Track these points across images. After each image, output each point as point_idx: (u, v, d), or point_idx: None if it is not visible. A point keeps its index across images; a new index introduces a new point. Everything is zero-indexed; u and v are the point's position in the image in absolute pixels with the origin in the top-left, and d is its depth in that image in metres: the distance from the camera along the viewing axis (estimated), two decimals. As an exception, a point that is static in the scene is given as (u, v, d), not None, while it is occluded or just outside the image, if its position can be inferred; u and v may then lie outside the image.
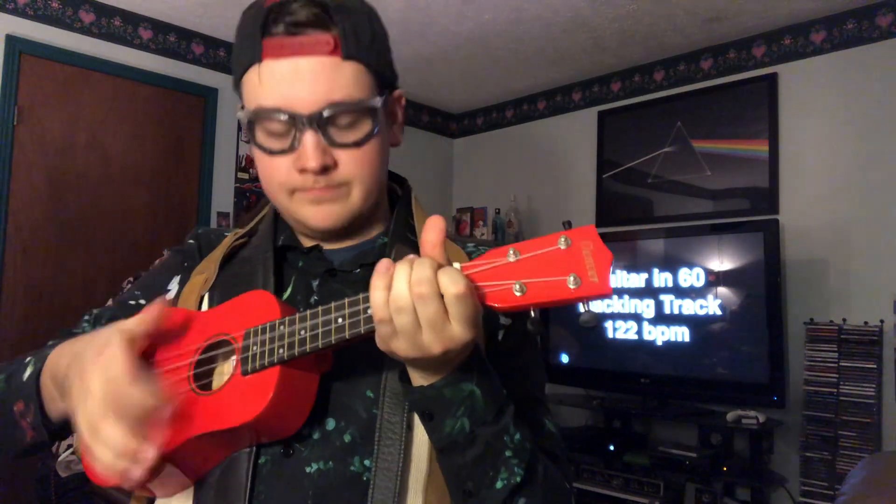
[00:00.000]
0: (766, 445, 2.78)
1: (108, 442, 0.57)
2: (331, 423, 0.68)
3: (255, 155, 0.73)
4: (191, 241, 0.87)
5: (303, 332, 0.61)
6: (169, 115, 3.29)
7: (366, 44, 0.70)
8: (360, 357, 0.68)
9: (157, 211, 3.23)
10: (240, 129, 3.51)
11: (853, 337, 2.68)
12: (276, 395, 0.61)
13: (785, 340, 2.90)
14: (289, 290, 0.77)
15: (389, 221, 0.81)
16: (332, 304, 0.60)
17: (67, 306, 2.89)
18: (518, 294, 0.53)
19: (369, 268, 0.73)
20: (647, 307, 3.10)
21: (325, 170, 0.69)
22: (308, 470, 0.67)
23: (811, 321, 2.82)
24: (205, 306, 0.76)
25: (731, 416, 2.78)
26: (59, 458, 1.95)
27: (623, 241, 3.29)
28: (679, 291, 3.01)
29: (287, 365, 0.63)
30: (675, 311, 3.01)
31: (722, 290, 2.89)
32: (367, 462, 0.67)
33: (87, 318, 0.84)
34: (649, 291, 3.10)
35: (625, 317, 3.18)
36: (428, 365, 0.58)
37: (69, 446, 1.96)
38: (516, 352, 0.75)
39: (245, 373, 0.64)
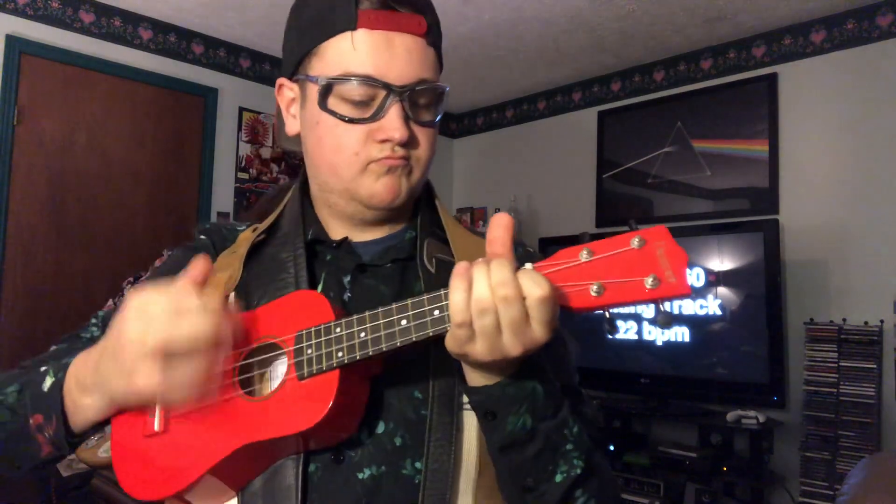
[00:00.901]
0: (766, 445, 2.77)
1: (178, 378, 0.55)
2: (380, 427, 0.67)
3: (322, 125, 0.71)
4: (202, 236, 0.84)
5: (363, 335, 0.59)
6: (169, 115, 3.29)
7: (439, 36, 0.74)
8: (406, 358, 0.66)
9: (156, 211, 3.23)
10: (240, 128, 3.52)
11: (853, 337, 2.67)
12: (336, 400, 0.60)
13: (785, 340, 2.90)
14: (320, 286, 0.74)
15: (413, 215, 0.80)
16: (394, 306, 0.59)
17: (67, 306, 2.89)
18: (595, 295, 0.53)
19: (401, 263, 0.76)
20: (647, 307, 3.09)
21: (406, 143, 0.70)
22: (360, 476, 0.65)
23: (811, 321, 2.82)
24: (231, 307, 0.72)
25: (731, 416, 2.78)
26: (59, 458, 1.94)
27: (623, 241, 3.29)
28: (679, 291, 3.00)
29: (345, 369, 0.61)
30: (675, 311, 3.01)
31: (722, 290, 2.89)
32: (418, 464, 0.66)
33: (94, 321, 0.81)
34: (649, 291, 3.10)
35: (625, 317, 3.18)
36: (494, 366, 0.58)
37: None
38: (549, 343, 0.74)
39: (301, 377, 0.61)
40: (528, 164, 4.14)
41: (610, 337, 3.22)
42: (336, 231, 0.78)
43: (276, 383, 0.63)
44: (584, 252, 0.54)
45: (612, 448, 3.01)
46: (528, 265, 0.54)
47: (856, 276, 2.82)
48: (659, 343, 3.06)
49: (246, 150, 3.54)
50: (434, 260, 0.74)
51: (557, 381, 0.67)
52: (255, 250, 0.78)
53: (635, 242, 0.53)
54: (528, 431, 0.60)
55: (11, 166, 2.79)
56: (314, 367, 0.61)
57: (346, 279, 0.75)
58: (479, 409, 0.61)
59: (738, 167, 3.20)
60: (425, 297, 0.57)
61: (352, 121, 0.69)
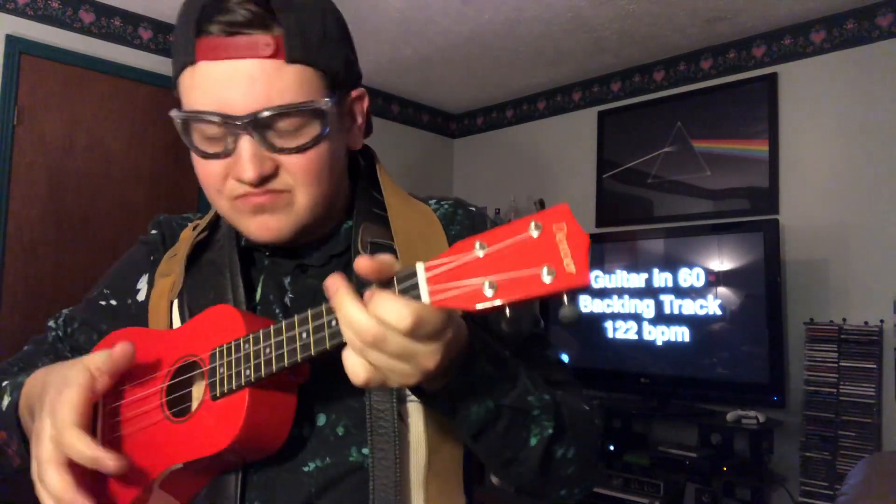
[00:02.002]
0: (766, 445, 2.77)
1: (47, 487, 0.56)
2: (321, 419, 0.67)
3: (193, 159, 0.68)
4: (153, 231, 0.83)
5: (268, 351, 0.58)
6: (168, 115, 3.28)
7: (315, 43, 0.64)
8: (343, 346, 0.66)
9: (156, 211, 3.19)
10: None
11: (853, 337, 2.68)
12: (248, 418, 0.58)
13: (785, 340, 2.90)
14: (259, 290, 0.73)
15: (352, 198, 0.77)
16: (296, 318, 0.56)
17: (67, 305, 2.88)
18: (489, 293, 0.46)
19: (340, 258, 0.73)
20: (647, 307, 3.10)
21: (264, 180, 0.64)
22: (306, 469, 0.66)
23: (811, 321, 2.82)
24: (175, 314, 0.73)
25: (731, 416, 2.78)
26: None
27: (623, 241, 3.29)
28: (679, 291, 3.01)
29: (257, 386, 0.59)
30: (675, 311, 3.01)
31: (722, 290, 2.89)
32: (364, 450, 0.66)
33: (52, 324, 0.82)
34: (649, 291, 3.10)
35: (625, 317, 3.18)
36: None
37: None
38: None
39: (214, 397, 0.61)
40: (528, 164, 4.14)
41: (610, 337, 3.22)
42: None
43: (196, 402, 0.63)
44: (478, 244, 0.48)
45: (612, 448, 3.01)
46: (420, 264, 0.50)
47: (856, 276, 2.82)
48: (659, 343, 3.06)
49: (246, 150, 3.54)
50: (369, 245, 0.71)
51: (516, 334, 0.67)
52: (197, 251, 0.77)
53: (533, 229, 0.46)
54: (493, 412, 0.59)
55: (11, 166, 2.79)
56: (225, 387, 0.60)
57: (287, 280, 0.74)
58: (441, 411, 0.61)
59: (738, 167, 3.20)
60: (324, 306, 0.55)
61: (207, 156, 0.65)
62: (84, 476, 0.62)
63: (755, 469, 2.68)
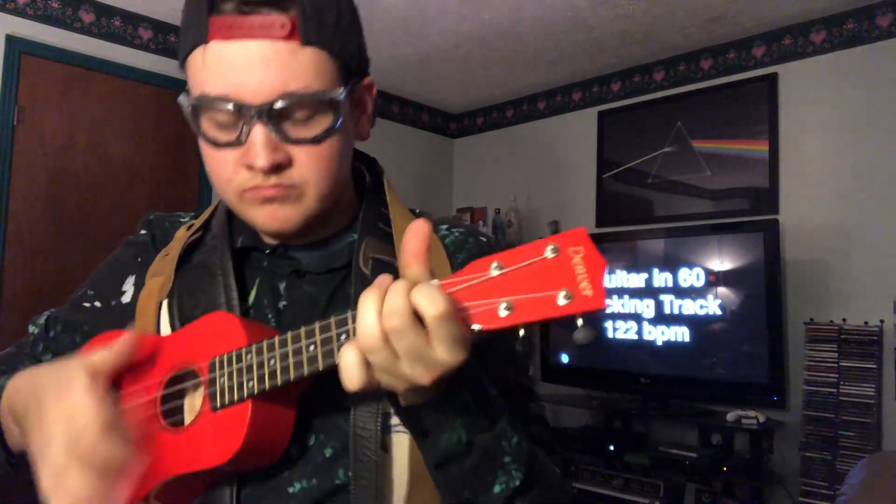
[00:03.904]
0: (766, 445, 2.77)
1: (72, 492, 0.53)
2: (311, 440, 0.65)
3: (201, 146, 0.66)
4: (143, 231, 0.80)
5: (272, 363, 0.56)
6: (169, 115, 3.28)
7: (330, 26, 0.62)
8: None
9: (156, 211, 3.23)
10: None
11: (853, 337, 2.67)
12: (250, 432, 0.57)
13: (785, 340, 2.90)
14: (253, 294, 0.70)
15: (356, 211, 0.74)
16: (303, 330, 0.55)
17: (67, 306, 2.89)
18: (505, 314, 0.47)
19: (339, 271, 0.71)
20: (647, 307, 3.10)
21: (277, 169, 0.62)
22: (291, 490, 0.64)
23: (811, 321, 2.82)
24: (164, 315, 0.71)
25: (731, 416, 2.78)
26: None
27: (623, 241, 3.29)
28: (679, 291, 3.01)
29: (259, 398, 0.58)
30: (675, 311, 3.01)
31: (722, 290, 2.89)
32: (350, 473, 0.64)
33: (32, 326, 0.79)
34: (649, 291, 3.10)
35: (625, 317, 3.18)
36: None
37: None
38: (497, 338, 0.68)
39: (214, 408, 0.59)
40: (528, 164, 4.14)
41: (610, 337, 3.22)
42: (270, 239, 0.72)
43: (194, 412, 0.61)
44: (495, 264, 0.48)
45: (612, 448, 3.01)
46: (435, 281, 0.49)
47: (856, 276, 2.81)
48: (659, 343, 3.06)
49: (246, 150, 3.54)
50: (371, 262, 0.69)
51: (501, 380, 0.65)
52: (189, 252, 0.74)
53: (549, 251, 0.47)
54: (464, 446, 0.56)
55: (11, 166, 2.79)
56: (226, 399, 0.59)
57: (282, 286, 0.71)
58: (411, 429, 0.58)
59: (738, 167, 3.20)
60: (332, 319, 0.53)
61: (219, 145, 0.63)
62: None
63: (755, 469, 2.68)
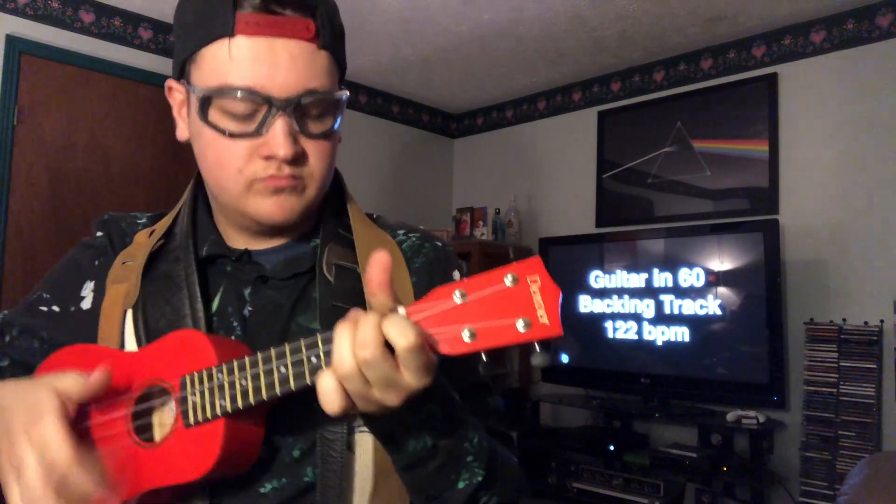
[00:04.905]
0: (766, 445, 2.78)
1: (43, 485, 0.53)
2: (279, 441, 0.66)
3: (205, 137, 0.66)
4: (99, 232, 0.80)
5: (244, 382, 0.58)
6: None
7: (338, 35, 0.68)
8: None
9: (156, 210, 3.23)
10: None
11: (853, 337, 2.68)
12: (224, 448, 0.59)
13: (785, 340, 2.90)
14: (217, 300, 0.71)
15: (317, 216, 0.76)
16: (273, 351, 0.57)
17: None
18: (468, 340, 0.50)
19: (303, 276, 0.72)
20: (647, 307, 3.10)
21: (295, 160, 0.65)
22: (262, 490, 0.65)
23: (811, 321, 2.82)
24: (129, 324, 0.70)
25: (731, 416, 2.78)
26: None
27: (623, 241, 3.30)
28: (679, 291, 3.01)
29: (232, 415, 0.59)
30: (675, 311, 3.01)
31: (722, 290, 2.89)
32: (317, 472, 0.66)
33: None
34: (649, 291, 3.10)
35: (625, 317, 3.18)
36: None
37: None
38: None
39: (188, 426, 0.60)
40: (528, 164, 4.14)
41: (610, 337, 3.22)
42: (235, 240, 0.74)
43: (165, 429, 0.62)
44: (457, 293, 0.51)
45: (612, 448, 3.01)
46: (402, 309, 0.51)
47: (856, 276, 2.82)
48: (659, 343, 3.06)
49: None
50: (334, 268, 0.71)
51: (461, 380, 0.67)
52: (152, 259, 0.74)
53: (508, 280, 0.50)
54: (429, 450, 0.59)
55: (11, 166, 2.79)
56: (199, 416, 0.60)
57: (247, 291, 0.72)
58: (380, 438, 0.60)
59: (738, 167, 3.20)
60: (303, 342, 0.55)
61: (233, 135, 0.64)
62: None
63: (755, 469, 2.68)
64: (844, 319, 2.77)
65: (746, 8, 2.93)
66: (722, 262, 2.90)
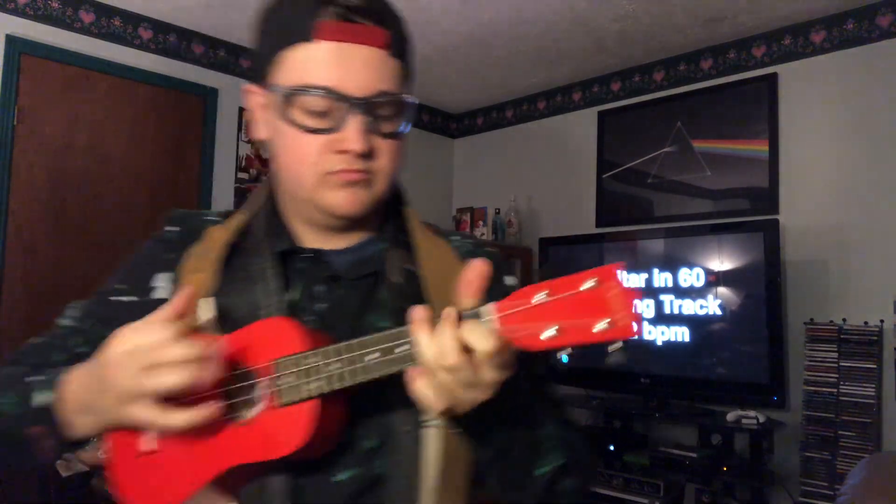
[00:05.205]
0: (766, 445, 2.77)
1: (171, 356, 0.59)
2: (355, 433, 0.70)
3: (284, 134, 0.72)
4: (173, 228, 0.83)
5: (337, 367, 0.63)
6: (169, 115, 3.29)
7: (409, 47, 0.76)
8: None
9: (157, 211, 3.23)
10: (240, 128, 3.52)
11: (853, 337, 2.67)
12: (313, 428, 0.63)
13: (785, 340, 2.90)
14: (292, 295, 0.75)
15: (381, 220, 0.82)
16: (364, 339, 0.62)
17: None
18: (550, 337, 0.55)
19: (370, 278, 0.78)
20: (647, 307, 3.10)
21: (366, 154, 0.70)
22: (337, 479, 0.69)
23: (811, 321, 2.82)
24: (205, 313, 0.73)
25: (731, 416, 2.78)
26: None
27: (623, 241, 3.29)
28: (679, 291, 3.01)
29: (321, 398, 0.64)
30: (675, 311, 3.01)
31: (722, 290, 2.89)
32: (388, 464, 0.71)
33: (66, 320, 0.81)
34: (649, 291, 3.10)
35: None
36: None
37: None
38: None
39: (279, 405, 0.65)
40: (528, 164, 4.14)
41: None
42: (308, 239, 0.79)
43: (256, 408, 0.66)
44: (542, 293, 0.56)
45: (612, 448, 3.01)
46: (489, 306, 0.57)
47: (856, 276, 2.81)
48: (659, 343, 3.06)
49: (246, 150, 3.54)
50: (400, 271, 0.77)
51: (530, 374, 0.73)
52: (229, 253, 0.78)
53: (589, 283, 0.55)
54: (511, 441, 0.65)
55: (11, 166, 2.79)
56: (292, 397, 0.64)
57: (319, 289, 0.76)
58: (465, 434, 0.65)
59: (738, 167, 3.20)
60: (393, 332, 0.61)
61: (311, 131, 0.70)
62: (151, 467, 0.68)
63: (755, 469, 2.68)
64: (844, 319, 2.77)
65: (746, 8, 2.93)
66: (722, 263, 2.90)
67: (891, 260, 2.73)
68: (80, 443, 0.72)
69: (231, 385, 0.67)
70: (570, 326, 0.55)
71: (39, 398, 0.69)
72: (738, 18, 3.03)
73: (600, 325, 0.54)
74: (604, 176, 3.74)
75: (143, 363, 0.60)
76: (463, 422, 0.63)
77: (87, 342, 0.78)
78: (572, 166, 3.89)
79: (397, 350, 0.60)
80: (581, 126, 3.87)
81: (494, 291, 0.66)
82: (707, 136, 3.32)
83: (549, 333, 0.55)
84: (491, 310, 0.57)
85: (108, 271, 0.89)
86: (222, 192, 3.45)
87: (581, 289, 0.55)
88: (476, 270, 0.59)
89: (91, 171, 3.03)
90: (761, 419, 2.72)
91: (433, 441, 0.71)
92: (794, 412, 2.83)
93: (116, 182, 3.11)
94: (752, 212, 3.12)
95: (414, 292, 0.75)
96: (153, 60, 3.20)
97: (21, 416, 0.70)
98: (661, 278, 3.07)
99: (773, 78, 3.12)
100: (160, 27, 3.22)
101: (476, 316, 0.58)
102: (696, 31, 3.18)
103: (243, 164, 3.53)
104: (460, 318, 0.57)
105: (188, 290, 0.65)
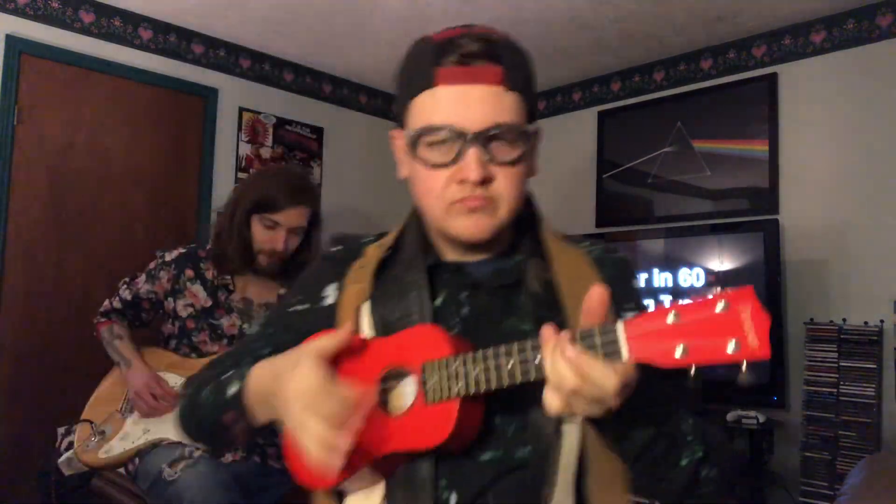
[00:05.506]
0: (766, 445, 2.77)
1: (311, 433, 0.69)
2: (499, 419, 0.78)
3: (415, 171, 0.82)
4: (340, 247, 0.97)
5: (476, 372, 0.70)
6: (169, 115, 3.29)
7: (526, 79, 0.81)
8: None
9: (156, 211, 3.23)
10: (240, 128, 3.52)
11: (853, 337, 2.68)
12: (457, 423, 0.72)
13: (785, 340, 2.90)
14: (439, 302, 0.85)
15: (516, 235, 0.89)
16: (502, 348, 0.69)
17: (67, 306, 2.88)
18: (680, 356, 0.58)
19: (508, 287, 0.86)
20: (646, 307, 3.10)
21: (484, 182, 0.77)
22: (481, 459, 0.77)
23: (811, 321, 2.82)
24: (365, 316, 0.85)
25: (731, 416, 2.78)
26: (61, 458, 1.94)
27: (623, 241, 3.29)
28: (679, 291, 3.01)
29: (464, 397, 0.72)
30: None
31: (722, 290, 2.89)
32: (530, 450, 0.78)
33: (252, 327, 0.92)
34: (649, 291, 3.10)
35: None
36: None
37: (70, 444, 1.95)
38: None
39: (428, 402, 0.74)
40: (528, 164, 4.14)
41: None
42: (450, 255, 0.88)
43: (405, 401, 0.77)
44: (672, 314, 0.59)
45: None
46: (620, 323, 0.61)
47: (856, 276, 2.81)
48: (659, 343, 3.05)
49: (246, 150, 3.54)
50: (538, 281, 0.84)
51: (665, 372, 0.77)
52: (382, 266, 0.89)
53: (720, 306, 0.57)
54: (653, 437, 0.70)
55: (11, 166, 2.79)
56: (439, 395, 0.73)
57: (463, 296, 0.85)
58: (607, 433, 0.71)
59: (738, 167, 3.20)
60: (529, 343, 0.67)
61: (435, 166, 0.79)
62: None
63: (755, 469, 2.68)
64: (844, 319, 2.77)
65: (746, 8, 2.93)
66: (722, 263, 2.90)
67: (891, 260, 2.73)
68: (266, 427, 0.84)
69: (387, 383, 0.78)
70: (699, 346, 0.57)
71: (231, 390, 0.85)
72: (738, 18, 3.03)
73: (730, 346, 0.56)
74: (604, 176, 3.74)
75: (305, 404, 0.70)
76: (600, 422, 0.67)
77: (269, 345, 0.92)
78: (572, 166, 3.89)
79: (532, 360, 0.66)
80: (581, 126, 3.87)
81: (622, 295, 0.77)
82: (707, 136, 3.33)
83: (676, 353, 0.58)
84: (621, 326, 0.61)
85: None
86: (222, 192, 3.43)
87: (712, 311, 0.58)
88: (595, 299, 0.63)
89: (91, 171, 3.03)
90: (761, 419, 2.72)
91: (572, 435, 0.77)
92: (794, 412, 2.83)
93: (116, 182, 3.11)
94: (752, 212, 3.12)
95: (551, 299, 0.82)
96: (153, 60, 3.20)
97: (218, 405, 0.86)
98: (661, 278, 3.07)
99: (773, 78, 3.12)
100: (160, 27, 3.22)
101: (601, 333, 0.62)
102: (696, 31, 3.18)
103: (243, 164, 3.53)
104: (578, 338, 0.62)
105: (347, 327, 0.79)
